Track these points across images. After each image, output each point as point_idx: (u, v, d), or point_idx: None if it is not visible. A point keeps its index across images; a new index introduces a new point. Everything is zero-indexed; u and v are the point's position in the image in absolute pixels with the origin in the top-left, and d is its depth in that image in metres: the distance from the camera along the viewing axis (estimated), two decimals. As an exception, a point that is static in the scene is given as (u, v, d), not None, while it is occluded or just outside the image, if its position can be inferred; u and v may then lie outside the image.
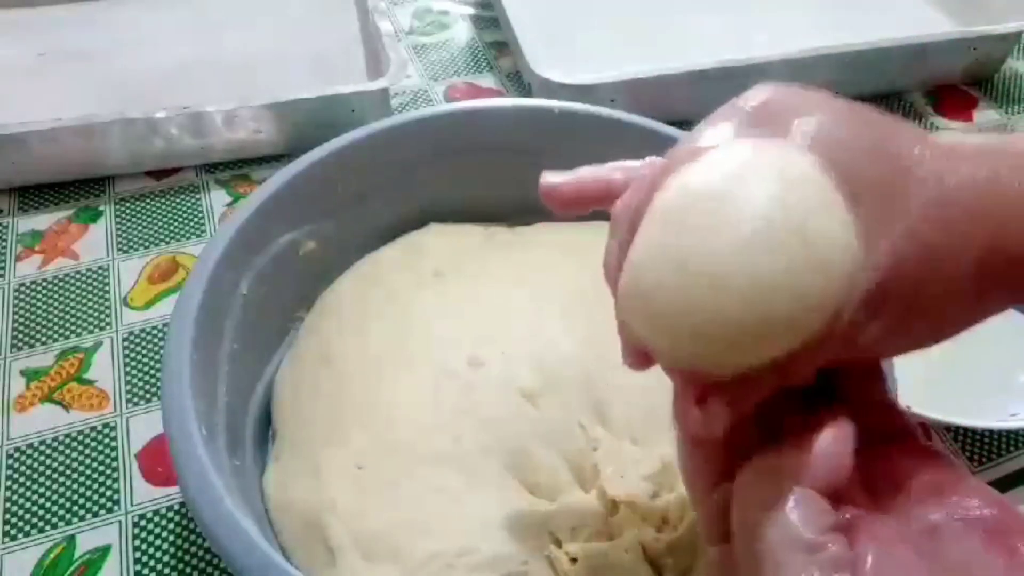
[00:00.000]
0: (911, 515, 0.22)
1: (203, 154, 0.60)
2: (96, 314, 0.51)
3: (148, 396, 0.47)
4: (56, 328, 0.50)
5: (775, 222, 0.21)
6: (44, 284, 0.53)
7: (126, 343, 0.49)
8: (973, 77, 0.71)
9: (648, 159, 0.28)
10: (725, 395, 0.22)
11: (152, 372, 0.48)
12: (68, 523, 0.41)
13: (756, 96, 0.24)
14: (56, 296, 0.52)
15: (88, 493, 0.43)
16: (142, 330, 0.50)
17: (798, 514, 0.20)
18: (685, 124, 0.64)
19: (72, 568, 0.40)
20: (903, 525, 0.21)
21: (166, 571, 0.40)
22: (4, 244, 0.55)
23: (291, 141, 0.61)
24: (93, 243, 0.55)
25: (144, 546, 0.41)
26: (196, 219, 0.57)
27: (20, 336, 0.50)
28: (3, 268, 0.54)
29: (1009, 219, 0.22)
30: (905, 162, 0.22)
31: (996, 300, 0.24)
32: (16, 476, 0.43)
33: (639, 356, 0.26)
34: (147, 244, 0.55)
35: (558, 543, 0.35)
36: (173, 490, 0.43)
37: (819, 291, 0.21)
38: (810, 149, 0.22)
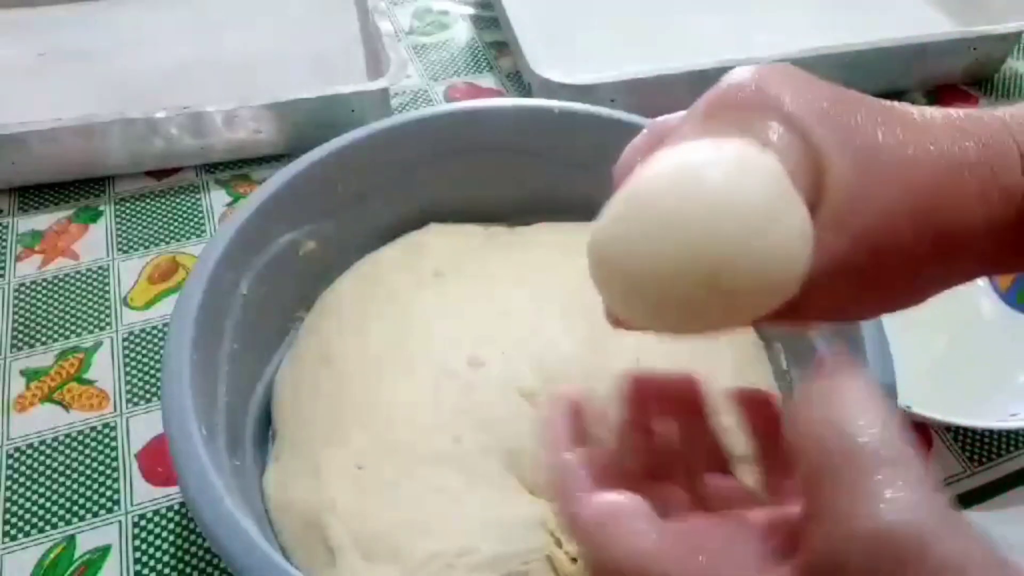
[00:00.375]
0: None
1: (203, 154, 0.60)
2: (96, 314, 0.51)
3: (148, 396, 0.47)
4: (56, 328, 0.50)
5: (733, 206, 0.21)
6: (44, 284, 0.53)
7: (126, 343, 0.49)
8: (973, 77, 0.71)
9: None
10: None
11: (152, 372, 0.48)
12: (68, 523, 0.41)
13: (737, 78, 0.24)
14: (56, 296, 0.52)
15: (88, 493, 0.43)
16: (142, 330, 0.50)
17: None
18: (685, 124, 0.64)
19: (72, 568, 0.40)
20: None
21: (166, 571, 0.40)
22: (4, 244, 0.55)
23: (291, 141, 0.61)
24: (93, 243, 0.55)
25: (144, 546, 0.41)
26: (196, 219, 0.57)
27: (20, 336, 0.50)
28: (3, 268, 0.54)
29: (948, 194, 0.23)
30: (875, 129, 0.23)
31: (932, 278, 0.25)
32: (16, 476, 0.43)
33: (614, 319, 0.27)
34: (147, 244, 0.55)
35: (558, 543, 0.35)
36: (173, 490, 0.43)
37: (776, 274, 0.21)
38: (783, 120, 0.23)
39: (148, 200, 0.59)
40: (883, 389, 0.33)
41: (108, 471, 0.43)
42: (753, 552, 0.22)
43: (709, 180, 0.21)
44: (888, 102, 0.24)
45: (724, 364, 0.42)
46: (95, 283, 0.53)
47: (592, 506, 0.24)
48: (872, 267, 0.23)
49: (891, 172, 0.22)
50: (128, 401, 0.46)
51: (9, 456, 0.44)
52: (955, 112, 0.24)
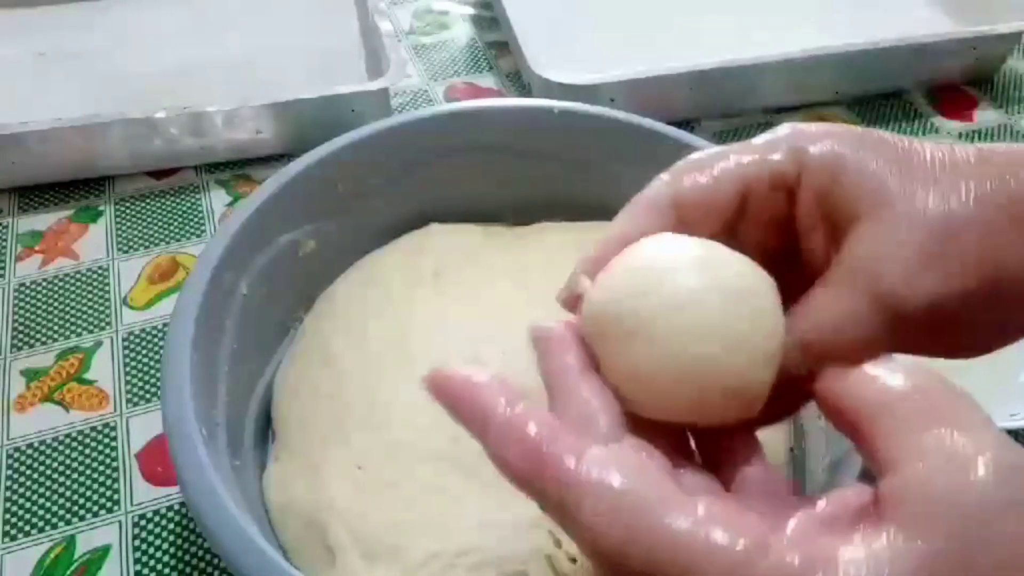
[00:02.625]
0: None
1: (203, 154, 0.60)
2: (96, 314, 0.51)
3: (148, 396, 0.47)
4: (56, 328, 0.50)
5: (707, 311, 0.22)
6: (44, 284, 0.53)
7: (126, 343, 0.49)
8: (973, 77, 0.71)
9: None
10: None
11: (152, 372, 0.48)
12: (68, 523, 0.41)
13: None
14: (56, 296, 0.52)
15: (88, 493, 0.43)
16: (142, 330, 0.50)
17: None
18: (685, 124, 0.64)
19: (72, 568, 0.40)
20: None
21: (166, 571, 0.40)
22: (4, 244, 0.55)
23: (291, 141, 0.60)
24: (93, 243, 0.55)
25: (144, 546, 0.41)
26: (196, 219, 0.57)
27: (20, 336, 0.50)
28: (3, 268, 0.54)
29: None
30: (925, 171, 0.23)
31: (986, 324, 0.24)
32: (16, 476, 0.43)
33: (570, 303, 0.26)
34: (147, 244, 0.55)
35: (558, 543, 0.35)
36: (173, 490, 0.43)
37: (744, 375, 0.22)
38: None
39: (148, 200, 0.59)
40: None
41: (108, 471, 0.43)
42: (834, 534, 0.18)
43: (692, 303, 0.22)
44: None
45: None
46: (95, 283, 0.53)
47: (598, 461, 0.20)
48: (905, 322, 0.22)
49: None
50: (128, 401, 0.46)
51: (9, 456, 0.44)
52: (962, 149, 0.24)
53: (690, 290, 0.22)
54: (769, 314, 0.22)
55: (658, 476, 0.20)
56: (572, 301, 0.26)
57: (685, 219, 0.25)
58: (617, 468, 0.20)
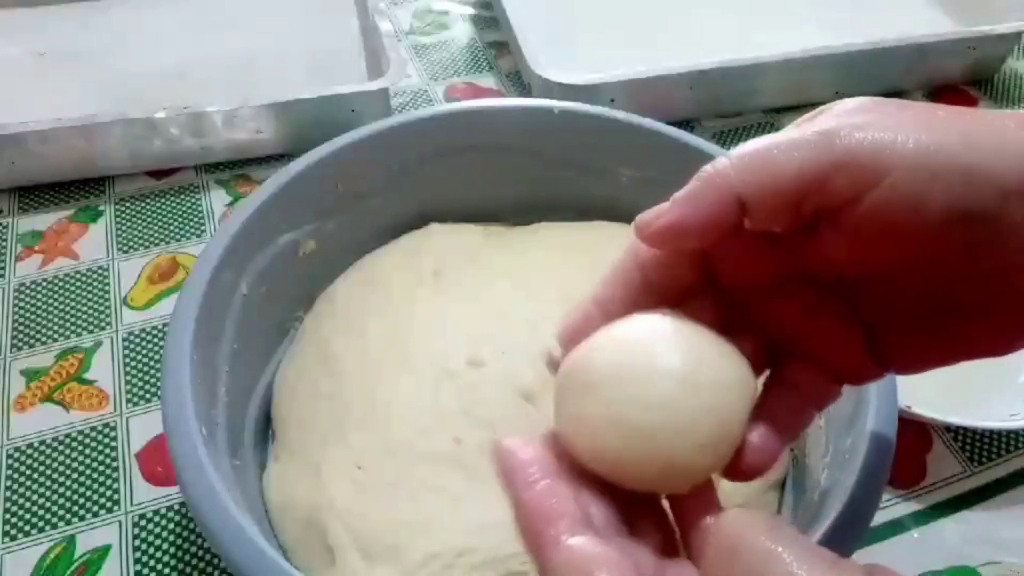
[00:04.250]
0: None
1: (203, 154, 0.60)
2: (96, 314, 0.51)
3: (148, 396, 0.47)
4: (56, 328, 0.50)
5: (675, 383, 0.23)
6: (44, 284, 0.53)
7: (126, 343, 0.49)
8: (973, 77, 0.71)
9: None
10: None
11: (152, 372, 0.48)
12: (68, 523, 0.41)
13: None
14: (56, 296, 0.52)
15: (88, 493, 0.43)
16: (142, 330, 0.50)
17: None
18: (685, 124, 0.64)
19: (72, 568, 0.40)
20: None
21: (166, 571, 0.40)
22: (4, 244, 0.55)
23: (291, 141, 0.61)
24: (93, 243, 0.55)
25: (144, 546, 0.41)
26: (196, 219, 0.57)
27: (20, 336, 0.50)
28: (3, 268, 0.54)
29: None
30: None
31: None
32: (16, 476, 0.43)
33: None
34: (147, 244, 0.55)
35: (558, 543, 0.35)
36: (173, 490, 0.43)
37: (715, 436, 0.23)
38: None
39: (148, 200, 0.59)
40: (885, 389, 0.33)
41: (108, 471, 0.43)
42: None
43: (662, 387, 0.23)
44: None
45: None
46: (95, 283, 0.53)
47: (573, 551, 0.21)
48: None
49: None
50: (128, 401, 0.46)
51: (9, 456, 0.44)
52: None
53: (650, 368, 0.23)
54: (725, 409, 0.23)
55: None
56: (553, 365, 0.26)
57: (649, 282, 0.25)
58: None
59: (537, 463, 0.23)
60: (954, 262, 0.22)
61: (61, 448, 0.44)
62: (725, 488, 0.38)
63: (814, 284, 0.25)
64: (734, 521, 0.21)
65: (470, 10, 0.79)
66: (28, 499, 0.42)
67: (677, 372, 0.23)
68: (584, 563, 0.20)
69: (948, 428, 0.46)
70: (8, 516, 0.41)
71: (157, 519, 0.42)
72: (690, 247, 0.24)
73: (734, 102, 0.66)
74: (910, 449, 0.45)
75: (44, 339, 0.49)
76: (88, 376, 0.48)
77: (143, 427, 0.45)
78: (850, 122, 0.23)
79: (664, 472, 0.23)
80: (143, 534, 0.41)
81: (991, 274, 0.22)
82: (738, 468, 0.23)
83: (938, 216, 0.21)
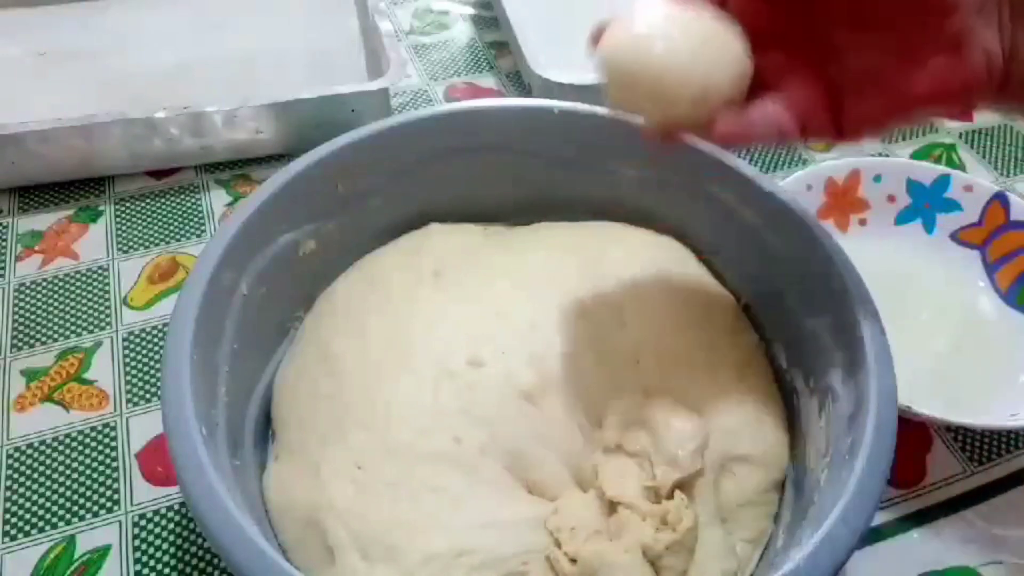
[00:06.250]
0: None
1: (203, 154, 0.60)
2: (96, 314, 0.51)
3: (148, 396, 0.47)
4: (56, 328, 0.50)
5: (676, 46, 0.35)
6: (44, 284, 0.53)
7: (126, 343, 0.49)
8: (973, 77, 0.71)
9: None
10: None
11: (152, 372, 0.48)
12: (68, 523, 0.41)
13: None
14: (56, 296, 0.52)
15: (88, 493, 0.43)
16: (142, 330, 0.50)
17: None
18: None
19: (72, 568, 0.40)
20: None
21: (166, 571, 0.40)
22: (4, 244, 0.55)
23: (291, 141, 0.61)
24: (93, 243, 0.55)
25: (144, 546, 0.41)
26: (196, 219, 0.57)
27: (20, 336, 0.50)
28: (3, 268, 0.54)
29: None
30: None
31: None
32: (16, 476, 0.43)
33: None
34: (147, 244, 0.55)
35: (558, 543, 0.35)
36: (173, 490, 0.43)
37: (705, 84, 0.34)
38: None
39: (148, 200, 0.59)
40: (885, 389, 0.33)
41: (108, 471, 0.43)
42: None
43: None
44: None
45: (724, 364, 0.42)
46: (95, 283, 0.53)
47: None
48: None
49: None
50: (128, 401, 0.46)
51: (9, 456, 0.44)
52: None
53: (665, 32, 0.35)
54: (732, 48, 0.33)
55: None
56: (596, 35, 0.38)
57: None
58: None
59: None
60: None
61: (61, 448, 0.44)
62: (725, 488, 0.39)
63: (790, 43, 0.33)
64: None
65: (470, 10, 0.79)
66: (28, 499, 0.42)
67: (688, 33, 0.34)
68: None
69: (948, 428, 0.46)
70: (8, 516, 0.42)
71: (157, 519, 0.42)
72: None
73: (734, 102, 0.66)
74: (910, 449, 0.45)
75: (44, 339, 0.49)
76: (88, 376, 0.48)
77: (143, 427, 0.45)
78: None
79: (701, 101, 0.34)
80: (143, 534, 0.41)
81: None
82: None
83: None
